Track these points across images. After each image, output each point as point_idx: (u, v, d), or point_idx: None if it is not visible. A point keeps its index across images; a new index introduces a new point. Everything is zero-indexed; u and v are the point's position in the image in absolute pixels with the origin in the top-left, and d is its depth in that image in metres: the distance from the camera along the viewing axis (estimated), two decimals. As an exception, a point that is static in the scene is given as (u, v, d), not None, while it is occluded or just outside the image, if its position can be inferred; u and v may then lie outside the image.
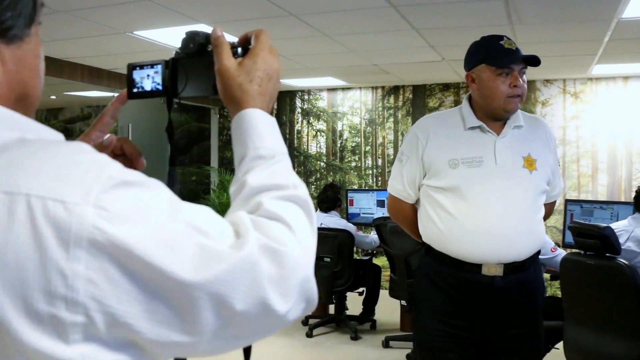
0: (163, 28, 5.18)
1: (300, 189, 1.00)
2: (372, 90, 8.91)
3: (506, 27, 5.12)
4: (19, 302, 0.73)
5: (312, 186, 9.18)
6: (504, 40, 2.67)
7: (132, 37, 5.48)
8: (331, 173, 9.12)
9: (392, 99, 8.79)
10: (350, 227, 6.38)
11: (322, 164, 9.22)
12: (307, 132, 9.33)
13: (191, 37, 1.14)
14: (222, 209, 8.84)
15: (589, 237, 3.67)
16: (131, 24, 5.17)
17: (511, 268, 2.63)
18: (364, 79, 8.33)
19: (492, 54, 2.67)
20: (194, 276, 0.78)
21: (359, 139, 9.01)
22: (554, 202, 3.02)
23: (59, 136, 0.90)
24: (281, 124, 9.36)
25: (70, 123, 11.02)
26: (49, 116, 11.05)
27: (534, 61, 2.65)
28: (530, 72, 7.42)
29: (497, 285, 2.62)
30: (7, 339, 0.73)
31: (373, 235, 6.46)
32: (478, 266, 2.63)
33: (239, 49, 1.12)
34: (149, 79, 1.15)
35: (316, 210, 6.72)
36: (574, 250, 3.95)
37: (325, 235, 6.25)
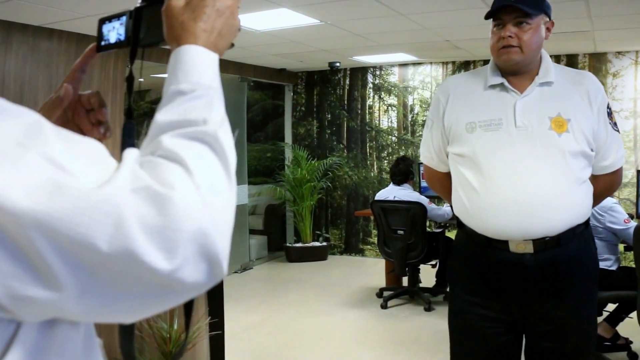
0: (253, 12, 5.29)
1: (211, 125, 0.84)
2: (442, 66, 8.83)
3: (581, 2, 5.04)
4: None
5: (385, 160, 9.18)
6: None
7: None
8: (402, 147, 9.08)
9: (462, 74, 8.69)
10: (423, 200, 6.31)
11: (393, 138, 9.18)
12: (379, 107, 9.30)
13: None
14: (296, 184, 8.94)
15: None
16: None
17: (542, 244, 2.33)
18: (435, 55, 8.27)
19: (491, 7, 2.42)
20: (26, 205, 0.67)
21: (430, 114, 8.93)
22: (616, 174, 2.58)
23: None
24: (353, 99, 9.40)
25: (155, 104, 11.28)
26: (137, 97, 11.25)
27: (520, 8, 2.32)
28: (602, 45, 7.31)
29: (527, 264, 2.34)
30: None
31: (446, 208, 6.41)
32: (505, 243, 2.36)
33: None
34: (114, 31, 1.11)
35: (389, 183, 6.77)
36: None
37: (398, 208, 6.27)
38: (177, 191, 0.74)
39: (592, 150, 2.41)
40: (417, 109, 9.05)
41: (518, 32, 2.34)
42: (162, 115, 0.85)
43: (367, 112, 9.36)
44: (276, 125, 10.28)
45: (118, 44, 1.10)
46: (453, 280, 2.66)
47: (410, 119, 9.09)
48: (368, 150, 9.33)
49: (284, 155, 9.78)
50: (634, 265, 4.41)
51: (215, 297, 3.96)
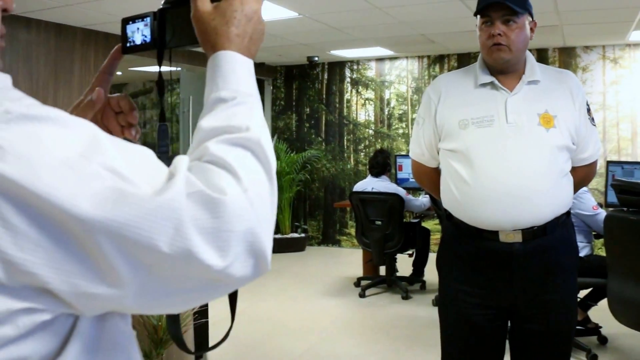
0: None
1: (253, 132, 0.88)
2: (418, 60, 8.94)
3: (549, -4, 5.16)
4: None
5: (362, 153, 9.29)
6: None
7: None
8: (379, 140, 9.18)
9: (437, 68, 8.83)
10: (400, 191, 6.39)
11: (370, 131, 9.29)
12: (356, 101, 9.40)
13: None
14: (277, 176, 9.01)
15: (630, 194, 3.70)
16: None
17: (531, 234, 2.43)
18: (411, 49, 8.38)
19: (478, 3, 2.50)
20: (94, 213, 0.71)
21: (406, 107, 9.06)
22: (592, 166, 2.71)
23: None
24: (331, 93, 9.49)
25: (134, 97, 11.22)
26: (114, 91, 11.22)
27: (508, 4, 2.40)
28: (571, 39, 7.44)
29: (516, 253, 2.43)
30: None
31: (422, 199, 6.52)
32: (495, 233, 2.44)
33: None
34: (139, 33, 1.11)
35: (366, 175, 6.85)
36: (617, 208, 4.02)
37: (376, 199, 6.37)
38: (228, 196, 0.78)
39: (573, 144, 2.51)
40: (393, 102, 9.16)
41: (506, 30, 2.43)
42: (206, 122, 0.89)
43: (345, 105, 9.46)
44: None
45: (144, 46, 1.11)
46: (443, 269, 2.73)
47: (387, 113, 9.20)
48: (345, 143, 9.42)
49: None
50: (603, 253, 4.53)
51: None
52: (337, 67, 9.45)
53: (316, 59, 8.82)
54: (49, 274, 0.71)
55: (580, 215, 4.61)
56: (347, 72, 9.41)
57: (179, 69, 8.31)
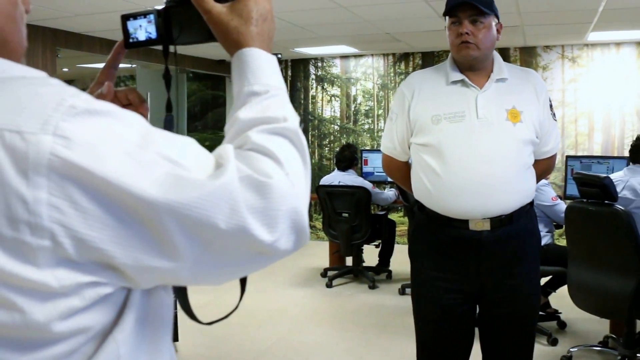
0: None
1: (290, 122, 0.96)
2: (383, 57, 9.04)
3: (511, -3, 5.27)
4: None
5: (326, 148, 9.38)
6: None
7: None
8: (344, 135, 9.28)
9: (402, 65, 8.93)
10: (367, 185, 6.50)
11: (335, 127, 9.38)
12: (322, 98, 9.47)
13: None
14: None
15: (590, 186, 3.87)
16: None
17: (498, 222, 2.56)
18: (376, 47, 8.45)
19: (446, 4, 2.60)
20: (159, 196, 0.77)
21: (372, 103, 9.16)
22: (552, 159, 2.86)
23: (38, 73, 0.87)
24: (296, 90, 9.53)
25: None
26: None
27: (475, 4, 2.51)
28: (531, 39, 7.59)
29: (484, 240, 2.55)
30: None
31: (388, 192, 6.66)
32: (465, 222, 2.57)
33: None
34: (142, 29, 1.12)
35: (334, 169, 6.93)
36: (577, 199, 4.17)
37: (343, 192, 6.46)
38: (274, 179, 0.85)
39: (537, 138, 2.64)
40: (359, 99, 9.26)
41: (473, 29, 2.53)
42: (243, 114, 0.95)
43: (310, 102, 9.52)
44: (216, 115, 10.32)
45: (149, 42, 1.13)
46: (415, 257, 2.82)
47: (353, 109, 9.30)
48: (310, 138, 9.48)
49: (225, 144, 9.83)
50: (562, 243, 4.70)
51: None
52: (301, 64, 9.50)
53: (279, 56, 8.82)
54: (114, 249, 0.78)
55: (540, 205, 4.78)
56: (312, 69, 9.47)
57: (134, 65, 8.23)
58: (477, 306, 2.74)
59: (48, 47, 6.31)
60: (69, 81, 8.70)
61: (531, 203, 2.70)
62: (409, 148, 2.76)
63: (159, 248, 0.80)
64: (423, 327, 2.81)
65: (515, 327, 2.69)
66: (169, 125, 1.14)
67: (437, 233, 2.66)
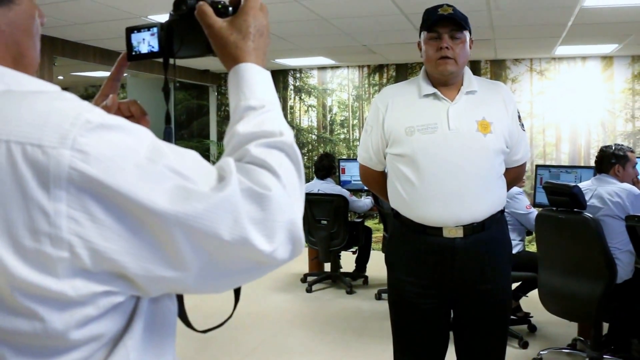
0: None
1: (287, 136, 0.98)
2: (358, 69, 9.12)
3: (484, 12, 5.37)
4: (6, 238, 0.75)
5: (305, 157, 9.39)
6: (442, 8, 2.60)
7: (147, 20, 5.61)
8: (322, 145, 9.33)
9: (377, 77, 9.01)
10: (345, 193, 6.55)
11: (313, 136, 9.43)
12: (300, 108, 9.52)
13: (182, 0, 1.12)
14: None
15: (560, 195, 3.96)
16: (145, 9, 5.30)
17: (471, 229, 2.59)
18: (352, 58, 8.52)
19: (426, 20, 2.63)
20: (168, 208, 0.79)
21: (347, 114, 9.22)
22: (522, 167, 2.93)
23: (52, 87, 0.90)
24: (274, 101, 9.57)
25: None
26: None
27: (456, 21, 2.56)
28: (502, 52, 7.72)
29: (457, 246, 2.59)
30: (1, 274, 0.75)
31: (365, 200, 6.70)
32: (439, 229, 2.60)
33: (230, 8, 1.10)
34: (145, 43, 1.13)
35: (312, 177, 6.98)
36: (547, 207, 4.26)
37: (322, 200, 6.50)
38: (273, 192, 0.88)
39: (507, 147, 2.69)
40: (335, 109, 9.33)
41: (452, 44, 2.59)
42: (241, 128, 0.97)
43: (288, 112, 9.56)
44: (201, 123, 10.30)
45: (151, 54, 1.14)
46: (391, 263, 2.85)
47: (329, 119, 9.35)
48: (289, 147, 9.50)
49: (209, 152, 9.86)
50: (532, 249, 4.79)
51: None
52: (281, 75, 9.55)
53: (259, 67, 8.89)
54: (127, 260, 0.80)
55: (514, 213, 4.87)
56: (290, 80, 9.53)
57: (125, 75, 8.23)
58: (452, 310, 2.79)
59: (46, 55, 6.37)
60: (64, 89, 8.80)
61: (502, 211, 2.74)
62: (385, 158, 2.81)
63: (167, 259, 0.82)
64: (399, 331, 2.85)
65: (488, 330, 2.73)
66: (168, 136, 1.15)
67: (412, 240, 2.70)
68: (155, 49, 1.13)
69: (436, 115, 2.63)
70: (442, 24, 2.59)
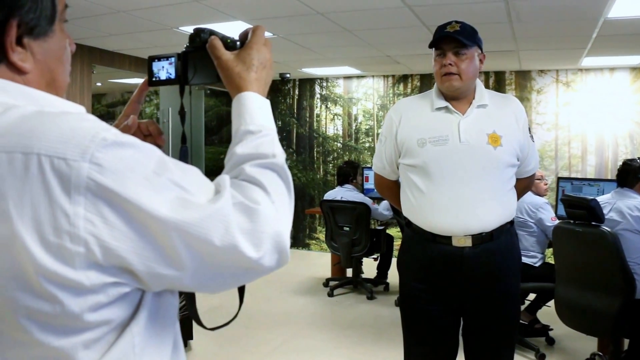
0: (205, 24, 5.29)
1: (279, 158, 1.08)
2: (383, 79, 9.09)
3: (506, 24, 5.32)
4: (35, 233, 0.86)
5: (330, 164, 9.43)
6: (451, 25, 2.66)
7: (177, 31, 5.73)
8: (347, 153, 9.31)
9: (401, 87, 8.97)
10: (367, 201, 6.56)
11: (338, 144, 9.42)
12: (326, 116, 9.52)
13: (197, 33, 1.23)
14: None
15: (578, 208, 3.88)
16: (177, 21, 5.40)
17: (479, 239, 2.62)
18: (377, 68, 8.50)
19: (433, 38, 2.70)
20: (169, 215, 0.89)
21: (372, 122, 9.20)
22: (531, 177, 2.97)
23: (78, 108, 1.01)
24: (302, 108, 9.61)
25: (112, 107, 11.20)
26: (94, 101, 11.26)
27: (457, 38, 2.60)
28: (527, 63, 7.62)
29: (466, 255, 2.62)
30: (30, 263, 0.86)
31: (386, 208, 6.68)
32: (448, 238, 2.64)
33: (238, 43, 1.23)
34: (164, 70, 1.25)
35: (334, 184, 6.99)
36: (564, 220, 4.19)
37: (345, 207, 6.52)
38: (261, 206, 0.98)
39: (518, 160, 2.72)
40: (360, 118, 9.30)
41: (457, 60, 2.63)
42: (239, 149, 1.09)
43: (315, 120, 9.58)
44: (231, 130, 10.37)
45: (168, 81, 1.26)
46: (402, 270, 2.89)
47: (354, 127, 9.33)
48: (315, 154, 9.55)
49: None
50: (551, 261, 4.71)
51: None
52: (308, 83, 9.57)
53: (288, 75, 8.94)
54: (133, 258, 0.90)
55: (541, 223, 4.81)
56: (317, 89, 9.53)
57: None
58: (462, 317, 2.80)
59: (85, 63, 6.65)
60: (101, 95, 8.93)
61: (511, 222, 2.76)
62: (398, 168, 2.84)
63: (167, 259, 0.92)
64: (410, 337, 2.87)
65: (495, 338, 2.75)
66: (184, 155, 1.27)
67: (423, 248, 2.72)
68: (173, 76, 1.25)
69: (447, 128, 2.66)
70: (446, 41, 2.65)
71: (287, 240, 1.01)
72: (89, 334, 0.93)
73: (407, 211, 2.80)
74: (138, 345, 0.98)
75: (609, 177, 7.58)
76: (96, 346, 0.94)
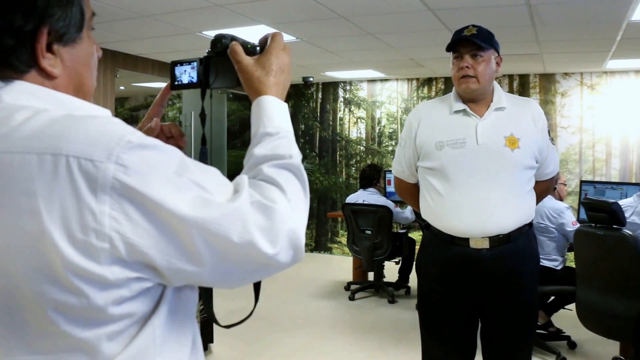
0: (228, 28, 5.36)
1: (295, 159, 1.13)
2: (407, 82, 9.07)
3: (529, 27, 5.30)
4: (63, 230, 0.90)
5: (353, 168, 9.44)
6: (468, 29, 2.69)
7: (200, 36, 5.75)
8: (370, 156, 9.31)
9: (425, 90, 8.95)
10: (389, 204, 6.55)
11: (361, 147, 9.42)
12: (349, 119, 9.53)
13: (218, 39, 1.26)
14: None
15: (599, 211, 3.87)
16: (200, 25, 5.43)
17: (497, 241, 2.64)
18: (401, 72, 8.49)
19: (451, 41, 2.73)
20: (190, 213, 0.93)
21: (396, 126, 9.18)
22: (551, 180, 2.96)
23: (104, 112, 1.06)
24: (325, 112, 9.64)
25: (135, 111, 11.28)
26: (117, 104, 11.35)
27: (474, 41, 2.64)
28: (551, 66, 7.56)
29: (483, 257, 2.64)
30: (58, 258, 0.91)
31: (409, 211, 6.68)
32: (466, 240, 2.66)
33: (258, 48, 1.26)
34: (186, 74, 1.29)
35: (356, 188, 6.99)
36: (586, 223, 4.17)
37: (367, 211, 6.52)
38: (278, 204, 1.02)
39: (537, 162, 2.74)
40: (384, 121, 9.29)
41: (474, 63, 2.67)
42: (258, 150, 1.12)
43: (337, 123, 9.59)
44: (253, 133, 10.41)
45: (190, 85, 1.31)
46: (421, 271, 2.93)
47: (377, 131, 9.33)
48: (338, 158, 9.57)
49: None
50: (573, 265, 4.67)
51: (205, 287, 4.22)
52: (331, 87, 9.59)
53: (311, 79, 8.97)
54: (155, 254, 0.94)
55: (562, 228, 4.78)
56: (340, 92, 9.55)
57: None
58: (480, 319, 2.82)
59: (109, 67, 6.75)
60: (124, 98, 9.05)
61: (530, 224, 2.78)
62: (417, 171, 2.88)
63: (187, 255, 0.96)
64: (427, 337, 2.90)
65: (512, 340, 2.76)
66: (203, 156, 1.32)
67: (441, 249, 2.75)
68: (195, 80, 1.30)
69: (465, 131, 2.70)
70: (463, 44, 2.69)
71: (302, 238, 1.05)
72: (112, 327, 0.97)
73: (425, 214, 2.82)
74: (159, 338, 1.02)
75: (633, 181, 7.53)
76: (119, 338, 0.98)
